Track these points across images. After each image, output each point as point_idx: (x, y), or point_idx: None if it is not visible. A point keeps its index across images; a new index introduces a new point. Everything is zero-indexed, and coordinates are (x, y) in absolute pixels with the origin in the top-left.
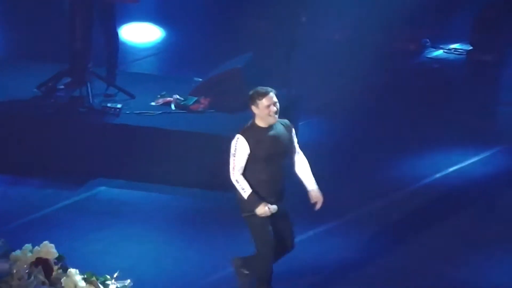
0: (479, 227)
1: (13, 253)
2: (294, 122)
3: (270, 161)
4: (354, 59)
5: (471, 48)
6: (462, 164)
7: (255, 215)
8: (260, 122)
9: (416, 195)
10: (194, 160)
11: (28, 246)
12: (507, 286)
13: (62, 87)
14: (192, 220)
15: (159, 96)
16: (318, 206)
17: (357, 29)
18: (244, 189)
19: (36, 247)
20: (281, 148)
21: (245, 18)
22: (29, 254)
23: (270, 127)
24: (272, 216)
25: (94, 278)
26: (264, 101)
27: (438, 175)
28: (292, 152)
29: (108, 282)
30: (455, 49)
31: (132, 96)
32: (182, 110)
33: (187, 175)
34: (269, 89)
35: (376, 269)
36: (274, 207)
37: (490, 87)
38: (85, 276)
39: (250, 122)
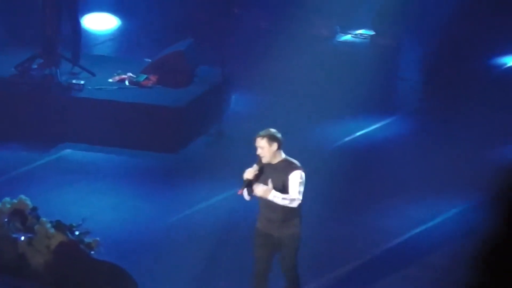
0: (381, 181)
1: None
2: (227, 96)
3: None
4: (277, 44)
5: (374, 33)
6: (367, 129)
7: (255, 233)
8: None
9: (330, 156)
10: (145, 127)
11: (6, 199)
12: (398, 227)
13: (35, 67)
14: (145, 177)
15: (115, 74)
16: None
17: (280, 18)
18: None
19: (14, 200)
20: (273, 185)
21: (187, 9)
22: (7, 206)
23: (272, 164)
24: (266, 245)
25: (61, 225)
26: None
27: (347, 139)
28: (279, 191)
29: (73, 229)
30: (361, 34)
31: (93, 74)
32: (135, 85)
33: (139, 139)
34: (262, 133)
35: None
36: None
37: (389, 65)
38: (54, 223)
39: None
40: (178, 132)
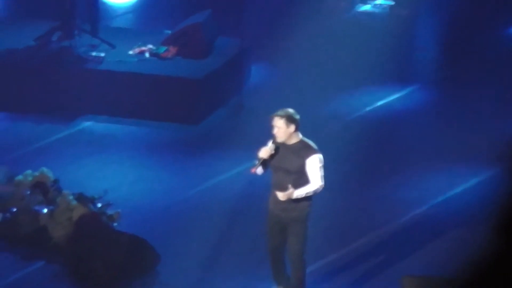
0: (399, 152)
1: (16, 178)
2: (247, 68)
3: (275, 172)
4: (296, 14)
5: (393, 3)
6: (386, 100)
7: (267, 213)
8: None
9: (349, 126)
10: (165, 99)
11: (28, 171)
12: (416, 198)
13: (55, 39)
14: (165, 148)
15: (135, 46)
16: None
17: None
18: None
19: (35, 172)
20: (285, 166)
21: None
22: (29, 179)
23: (288, 144)
24: (275, 225)
25: (83, 198)
26: (272, 122)
27: (368, 108)
28: (295, 173)
29: (95, 201)
30: (380, 4)
31: (113, 47)
32: (155, 57)
33: (159, 111)
34: (280, 112)
35: None
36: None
37: (408, 36)
38: (76, 196)
39: None
40: (198, 104)
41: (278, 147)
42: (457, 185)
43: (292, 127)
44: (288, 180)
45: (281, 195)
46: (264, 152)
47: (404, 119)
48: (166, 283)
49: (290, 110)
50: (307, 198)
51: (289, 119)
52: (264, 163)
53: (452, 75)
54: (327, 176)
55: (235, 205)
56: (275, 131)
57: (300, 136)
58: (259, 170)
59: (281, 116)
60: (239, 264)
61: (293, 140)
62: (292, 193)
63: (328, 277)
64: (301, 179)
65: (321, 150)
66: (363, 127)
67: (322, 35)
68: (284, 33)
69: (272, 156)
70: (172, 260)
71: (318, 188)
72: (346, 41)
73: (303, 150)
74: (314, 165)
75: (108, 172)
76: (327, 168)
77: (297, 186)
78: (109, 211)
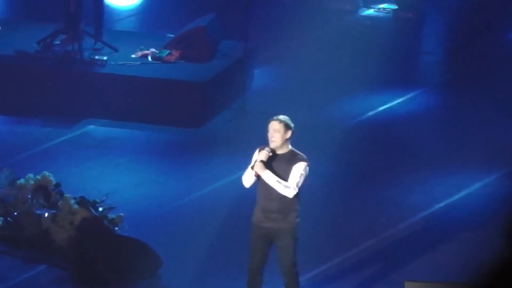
0: (404, 155)
1: (18, 182)
2: (250, 71)
3: (263, 180)
4: (300, 18)
5: (396, 7)
6: (390, 103)
7: (251, 229)
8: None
9: (353, 130)
10: (167, 102)
11: (30, 175)
12: (422, 201)
13: (58, 42)
14: (167, 152)
15: (138, 49)
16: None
17: None
18: (247, 169)
19: (37, 176)
20: (277, 175)
21: None
22: (31, 182)
23: (279, 154)
24: (261, 238)
25: (85, 201)
26: (268, 126)
27: (370, 113)
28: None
29: (97, 205)
30: (384, 8)
31: (115, 50)
32: (157, 61)
33: (162, 115)
34: (279, 117)
35: None
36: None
37: (412, 39)
38: (78, 199)
39: None
40: (201, 107)
41: (274, 152)
42: (462, 189)
43: (289, 133)
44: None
45: (258, 163)
46: (264, 155)
47: (409, 123)
48: (168, 286)
49: (286, 117)
50: (294, 208)
51: (288, 125)
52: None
53: (457, 78)
54: (331, 179)
55: (238, 209)
56: (271, 134)
57: (290, 146)
58: (252, 179)
59: (280, 121)
60: (242, 268)
61: (284, 150)
62: (262, 167)
63: (332, 280)
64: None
65: (325, 153)
66: (367, 130)
67: (326, 39)
68: (288, 37)
69: (267, 161)
70: (173, 264)
71: (289, 187)
72: (350, 45)
73: (293, 158)
74: (297, 170)
75: (110, 176)
76: (332, 170)
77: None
78: (111, 215)
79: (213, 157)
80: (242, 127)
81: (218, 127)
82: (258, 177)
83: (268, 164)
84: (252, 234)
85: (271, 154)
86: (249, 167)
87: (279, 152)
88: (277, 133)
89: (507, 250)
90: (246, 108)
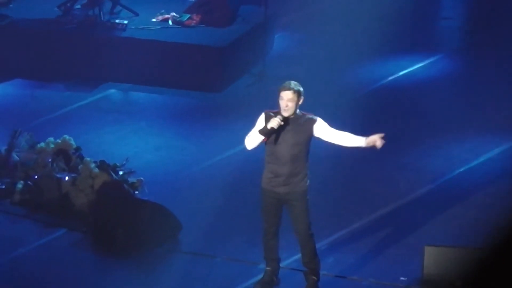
0: (424, 120)
1: (38, 145)
2: (270, 36)
3: (278, 145)
4: None
5: None
6: (410, 68)
7: (263, 193)
8: (281, 111)
9: (373, 95)
10: (188, 67)
11: (50, 139)
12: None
13: (78, 6)
14: (186, 116)
15: (158, 13)
16: (378, 144)
17: None
18: (253, 133)
19: (57, 139)
20: (293, 139)
21: None
22: (52, 146)
23: (289, 118)
24: (273, 203)
25: (105, 165)
26: (281, 94)
27: (390, 78)
28: (302, 145)
29: (117, 168)
30: None
31: (136, 14)
32: (178, 25)
33: (182, 79)
34: (292, 85)
35: None
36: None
37: (432, 5)
38: (98, 163)
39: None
40: (220, 72)
41: (287, 119)
42: (482, 154)
43: (301, 99)
44: (294, 153)
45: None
46: (276, 123)
47: (429, 88)
48: (187, 250)
49: (295, 82)
50: (304, 170)
51: (300, 92)
52: (273, 133)
53: (477, 44)
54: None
55: (257, 174)
56: (285, 103)
57: (298, 110)
58: (257, 143)
59: (294, 90)
60: (259, 233)
61: (294, 114)
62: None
63: (352, 245)
64: (306, 151)
65: (344, 117)
66: (387, 95)
67: (346, 3)
68: (308, 2)
69: (280, 128)
70: (193, 228)
71: (359, 138)
72: (370, 10)
73: (306, 121)
74: (327, 126)
75: (130, 140)
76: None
77: (302, 158)
78: (131, 179)
79: (233, 122)
80: (261, 92)
81: (238, 92)
82: (265, 141)
83: (280, 127)
84: (264, 198)
85: (282, 123)
86: (254, 130)
87: (291, 116)
88: (291, 102)
89: None
90: (266, 73)
